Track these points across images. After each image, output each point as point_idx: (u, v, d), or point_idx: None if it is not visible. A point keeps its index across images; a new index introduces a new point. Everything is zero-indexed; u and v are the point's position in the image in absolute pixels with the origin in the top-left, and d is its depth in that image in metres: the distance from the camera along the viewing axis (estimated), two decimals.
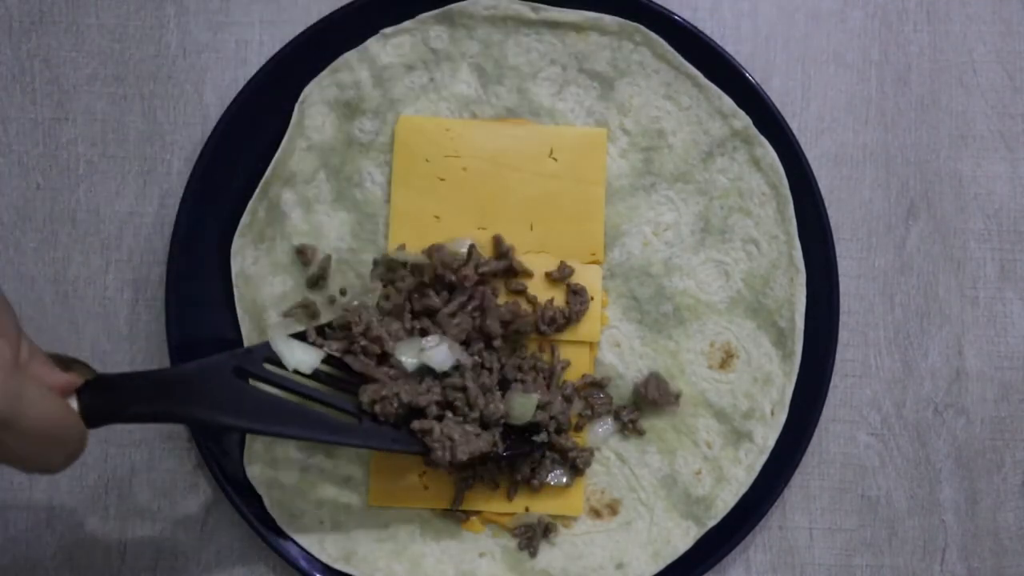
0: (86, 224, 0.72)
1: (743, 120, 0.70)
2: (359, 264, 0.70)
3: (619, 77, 0.71)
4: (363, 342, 0.65)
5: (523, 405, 0.65)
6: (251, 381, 0.61)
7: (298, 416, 0.61)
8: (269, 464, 0.68)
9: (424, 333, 0.66)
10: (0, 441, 0.46)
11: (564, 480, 0.68)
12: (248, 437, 0.68)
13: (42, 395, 0.48)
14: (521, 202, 0.70)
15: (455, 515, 0.69)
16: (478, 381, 0.66)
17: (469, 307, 0.67)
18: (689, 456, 0.69)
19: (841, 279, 0.71)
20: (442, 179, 0.70)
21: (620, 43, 0.71)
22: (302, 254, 0.69)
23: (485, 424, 0.65)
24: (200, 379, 0.59)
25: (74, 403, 0.52)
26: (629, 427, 0.69)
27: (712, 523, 0.68)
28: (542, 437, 0.67)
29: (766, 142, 0.70)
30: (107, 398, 0.54)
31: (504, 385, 0.67)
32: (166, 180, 0.72)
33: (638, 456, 0.70)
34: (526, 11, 0.70)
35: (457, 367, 0.66)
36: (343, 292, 0.69)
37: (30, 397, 0.47)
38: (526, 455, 0.67)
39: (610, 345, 0.70)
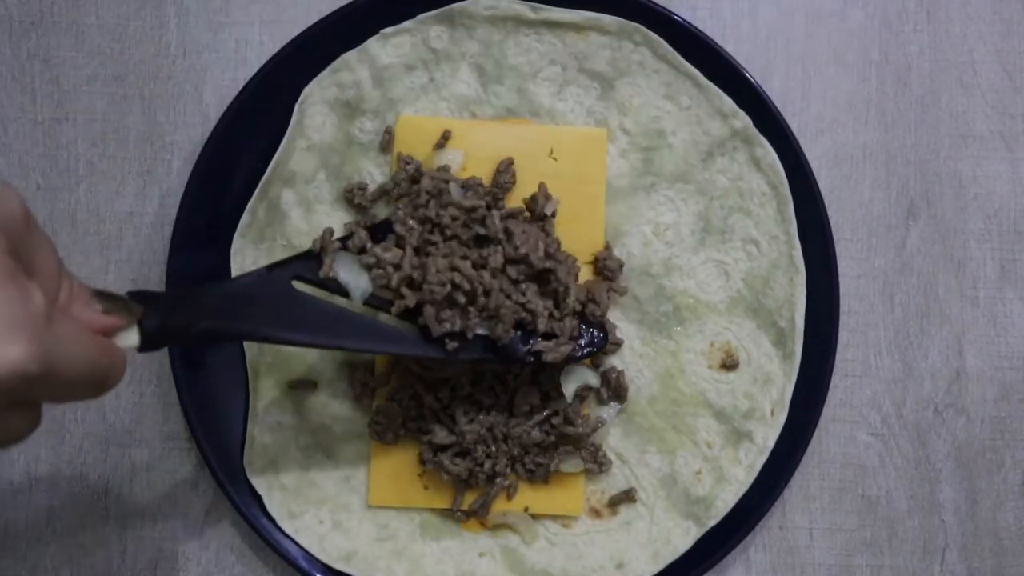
0: (86, 224, 0.72)
1: (743, 120, 0.70)
2: None
3: (619, 77, 0.71)
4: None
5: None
6: (297, 285, 0.60)
7: (361, 327, 0.61)
8: (269, 464, 0.68)
9: None
10: (39, 387, 0.44)
11: (582, 467, 0.68)
12: (248, 436, 0.68)
13: (82, 340, 0.46)
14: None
15: (455, 515, 0.69)
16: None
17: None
18: (689, 456, 0.69)
19: (841, 279, 0.71)
20: None
21: (620, 43, 0.71)
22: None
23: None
24: (261, 292, 0.58)
25: (131, 336, 0.50)
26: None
27: (712, 523, 0.68)
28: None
29: (766, 142, 0.70)
30: (168, 322, 0.52)
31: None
32: (166, 180, 0.72)
33: (638, 456, 0.70)
34: (526, 11, 0.70)
35: None
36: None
37: (68, 344, 0.44)
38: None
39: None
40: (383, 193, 0.70)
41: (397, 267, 0.63)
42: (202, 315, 0.55)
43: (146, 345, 0.51)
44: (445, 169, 0.68)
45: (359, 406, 0.69)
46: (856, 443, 0.72)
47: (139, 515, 0.70)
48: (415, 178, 0.69)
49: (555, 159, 0.70)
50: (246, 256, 0.69)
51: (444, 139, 0.69)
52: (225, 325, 0.56)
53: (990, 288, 0.74)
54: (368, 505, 0.69)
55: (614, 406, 0.69)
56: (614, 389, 0.69)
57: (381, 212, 0.70)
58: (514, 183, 0.69)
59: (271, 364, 0.69)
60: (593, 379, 0.68)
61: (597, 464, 0.68)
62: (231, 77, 0.73)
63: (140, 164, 0.73)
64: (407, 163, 0.69)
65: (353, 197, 0.69)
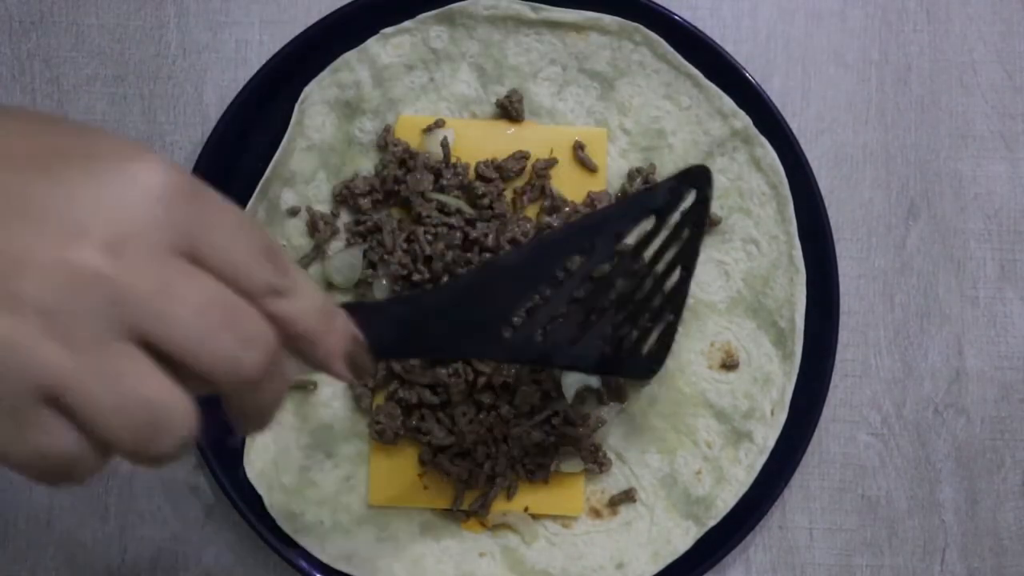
0: None
1: (743, 120, 0.70)
2: None
3: (619, 77, 0.71)
4: None
5: None
6: None
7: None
8: (269, 464, 0.68)
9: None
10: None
11: (582, 467, 0.68)
12: (248, 437, 0.68)
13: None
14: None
15: (455, 515, 0.69)
16: None
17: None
18: (689, 456, 0.69)
19: (841, 279, 0.71)
20: None
21: (620, 43, 0.71)
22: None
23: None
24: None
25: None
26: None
27: (712, 523, 0.68)
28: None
29: (766, 142, 0.70)
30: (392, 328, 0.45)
31: None
32: None
33: (638, 456, 0.70)
34: (526, 11, 0.70)
35: None
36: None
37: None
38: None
39: None
40: (372, 189, 0.69)
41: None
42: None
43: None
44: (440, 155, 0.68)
45: (359, 406, 0.69)
46: (856, 443, 0.72)
47: (139, 515, 0.70)
48: (403, 160, 0.69)
49: (555, 159, 0.70)
50: None
51: (437, 126, 0.69)
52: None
53: (990, 288, 0.74)
54: (368, 505, 0.69)
55: (614, 406, 0.69)
56: (614, 389, 0.69)
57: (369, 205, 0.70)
58: (520, 173, 0.69)
59: None
60: (593, 380, 0.68)
61: (597, 464, 0.68)
62: (231, 77, 0.73)
63: None
64: (395, 145, 0.69)
65: (345, 197, 0.69)
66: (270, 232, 0.69)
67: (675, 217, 0.60)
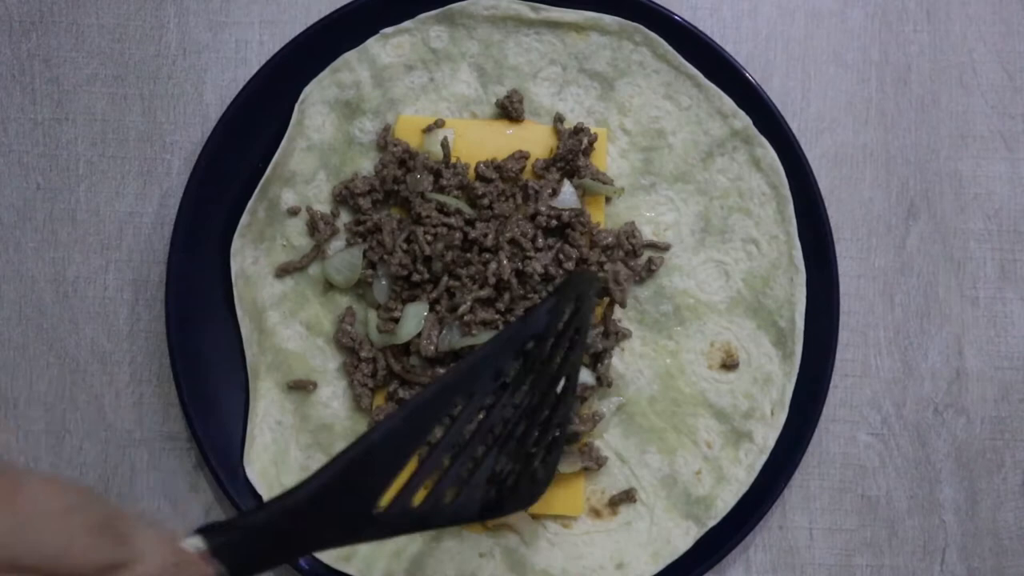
0: (86, 224, 0.72)
1: (743, 120, 0.70)
2: None
3: (619, 77, 0.71)
4: None
5: None
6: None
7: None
8: (269, 464, 0.68)
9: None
10: None
11: (580, 466, 0.68)
12: (248, 436, 0.68)
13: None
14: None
15: None
16: None
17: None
18: (689, 456, 0.69)
19: (841, 279, 0.71)
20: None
21: (620, 43, 0.71)
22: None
23: None
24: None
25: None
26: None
27: (712, 523, 0.68)
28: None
29: (766, 142, 0.70)
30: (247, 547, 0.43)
31: None
32: (166, 180, 0.73)
33: (638, 456, 0.70)
34: (526, 11, 0.70)
35: None
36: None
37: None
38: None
39: None
40: (371, 189, 0.69)
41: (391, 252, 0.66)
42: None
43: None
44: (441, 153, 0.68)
45: (359, 406, 0.69)
46: (856, 443, 0.72)
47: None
48: (403, 160, 0.69)
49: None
50: (246, 256, 0.69)
51: (437, 126, 0.69)
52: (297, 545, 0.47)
53: (990, 288, 0.74)
54: None
55: (612, 400, 0.69)
56: (604, 380, 0.68)
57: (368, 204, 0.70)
58: (521, 171, 0.69)
59: (271, 364, 0.69)
60: (590, 378, 0.68)
61: (593, 461, 0.68)
62: (231, 77, 0.73)
63: (140, 164, 0.73)
64: (395, 145, 0.69)
65: (345, 197, 0.69)
66: (267, 232, 0.69)
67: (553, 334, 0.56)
